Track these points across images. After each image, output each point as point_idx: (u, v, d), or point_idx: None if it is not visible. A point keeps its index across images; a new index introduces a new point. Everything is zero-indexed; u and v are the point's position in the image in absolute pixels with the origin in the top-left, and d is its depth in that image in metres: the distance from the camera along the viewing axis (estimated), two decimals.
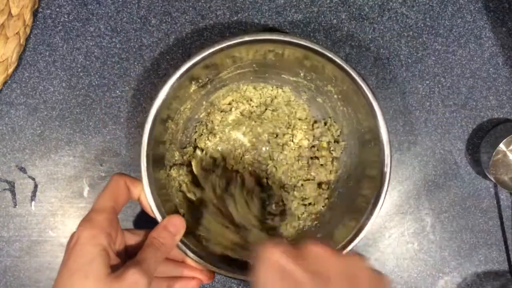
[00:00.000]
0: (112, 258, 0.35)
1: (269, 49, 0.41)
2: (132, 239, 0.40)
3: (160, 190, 0.41)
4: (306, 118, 0.48)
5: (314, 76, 0.44)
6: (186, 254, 0.40)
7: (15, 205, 0.48)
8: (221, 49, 0.39)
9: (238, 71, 0.44)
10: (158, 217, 0.40)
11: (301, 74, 0.44)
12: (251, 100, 0.48)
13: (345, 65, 0.40)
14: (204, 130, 0.47)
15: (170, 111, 0.42)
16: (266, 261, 0.32)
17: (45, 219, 0.48)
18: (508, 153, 0.47)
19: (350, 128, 0.45)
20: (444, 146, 0.50)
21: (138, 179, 0.39)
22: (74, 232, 0.35)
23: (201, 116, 0.47)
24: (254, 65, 0.44)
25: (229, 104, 0.47)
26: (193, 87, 0.43)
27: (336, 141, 0.47)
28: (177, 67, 0.39)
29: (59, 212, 0.48)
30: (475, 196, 0.50)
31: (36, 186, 0.48)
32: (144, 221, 0.47)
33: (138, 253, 0.36)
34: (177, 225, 0.39)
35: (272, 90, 0.47)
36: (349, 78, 0.40)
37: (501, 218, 0.50)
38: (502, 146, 0.46)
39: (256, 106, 0.48)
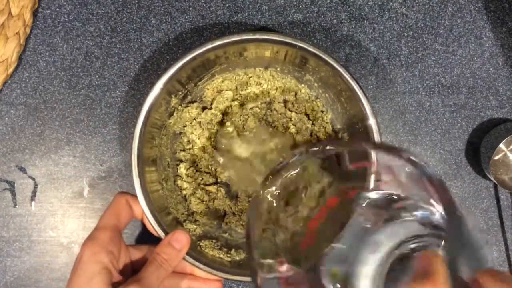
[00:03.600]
0: (115, 276, 0.36)
1: (245, 50, 0.42)
2: (138, 255, 0.40)
3: (159, 205, 0.41)
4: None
5: (291, 68, 0.44)
6: (196, 266, 0.40)
7: (15, 205, 0.48)
8: (194, 58, 0.40)
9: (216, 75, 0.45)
10: (161, 234, 0.40)
11: (278, 69, 0.45)
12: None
13: (315, 50, 0.40)
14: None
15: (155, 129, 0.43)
16: None
17: (45, 219, 0.48)
18: (508, 153, 0.47)
19: (335, 113, 0.46)
20: (444, 146, 0.49)
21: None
22: (80, 251, 0.36)
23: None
24: (230, 68, 0.45)
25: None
26: (174, 100, 0.43)
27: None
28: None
29: (59, 212, 0.48)
30: (475, 196, 0.50)
31: (36, 186, 0.48)
32: (150, 237, 0.47)
33: (141, 270, 0.36)
34: (181, 240, 0.39)
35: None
36: (321, 61, 0.41)
37: (501, 218, 0.50)
38: (502, 146, 0.46)
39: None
